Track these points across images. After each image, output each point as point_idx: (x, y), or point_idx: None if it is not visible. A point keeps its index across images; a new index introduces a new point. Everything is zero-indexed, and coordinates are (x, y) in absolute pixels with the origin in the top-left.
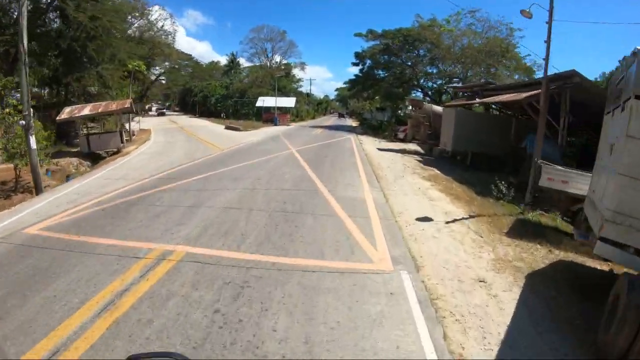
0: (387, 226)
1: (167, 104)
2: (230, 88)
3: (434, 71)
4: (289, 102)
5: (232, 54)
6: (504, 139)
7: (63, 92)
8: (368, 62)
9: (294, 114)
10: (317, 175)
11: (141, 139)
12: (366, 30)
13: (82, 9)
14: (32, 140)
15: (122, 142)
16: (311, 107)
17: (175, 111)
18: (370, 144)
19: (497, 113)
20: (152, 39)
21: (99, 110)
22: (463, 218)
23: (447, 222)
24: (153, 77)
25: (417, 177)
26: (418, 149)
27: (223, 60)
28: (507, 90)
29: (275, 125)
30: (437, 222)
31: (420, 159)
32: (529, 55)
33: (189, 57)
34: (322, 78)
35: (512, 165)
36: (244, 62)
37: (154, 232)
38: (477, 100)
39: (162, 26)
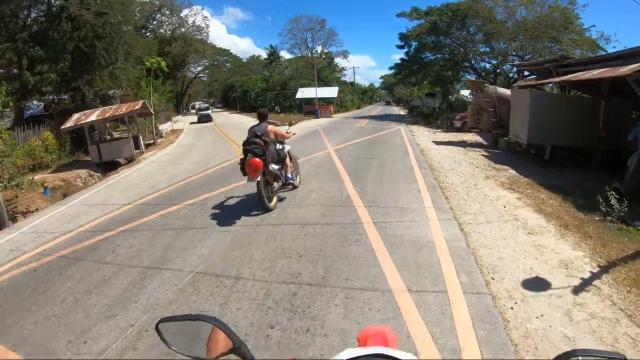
0: (480, 315)
1: (211, 100)
2: (270, 81)
3: (487, 50)
4: (330, 92)
5: (272, 47)
6: (589, 127)
7: (78, 97)
8: (414, 44)
9: (338, 105)
10: (358, 193)
11: (167, 142)
12: (410, 8)
13: (86, 5)
14: None
15: (139, 147)
16: (356, 97)
17: (218, 108)
18: (423, 135)
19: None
20: (184, 36)
21: (107, 115)
22: (592, 275)
23: (575, 292)
24: (192, 75)
25: (494, 183)
26: (479, 139)
27: (264, 54)
28: (590, 64)
29: (317, 117)
30: (558, 294)
31: (486, 153)
32: (593, 26)
33: (226, 52)
34: (367, 67)
35: (601, 160)
36: (286, 55)
37: (50, 342)
38: (556, 78)
39: (194, 22)
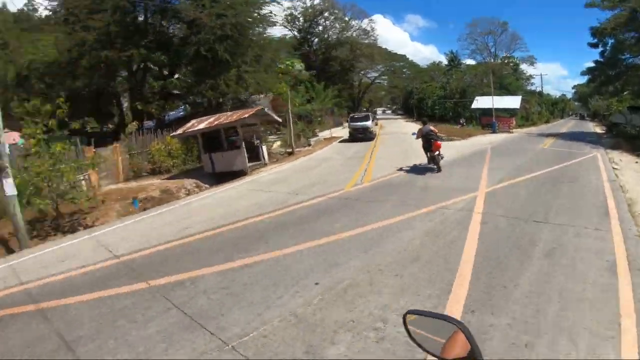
0: None
1: (393, 107)
2: (447, 88)
3: None
4: (512, 102)
5: (452, 52)
6: None
7: (214, 102)
8: (609, 41)
9: (523, 117)
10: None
11: (305, 152)
12: None
13: (202, 7)
14: (8, 184)
15: (259, 159)
16: (544, 109)
17: (399, 114)
18: (630, 170)
19: None
20: (350, 40)
21: (215, 123)
22: None
23: None
24: (369, 80)
25: None
26: None
27: (446, 61)
28: None
29: (494, 132)
30: None
31: None
32: None
33: (402, 58)
34: (557, 76)
35: None
36: (468, 61)
37: None
38: None
39: (359, 25)
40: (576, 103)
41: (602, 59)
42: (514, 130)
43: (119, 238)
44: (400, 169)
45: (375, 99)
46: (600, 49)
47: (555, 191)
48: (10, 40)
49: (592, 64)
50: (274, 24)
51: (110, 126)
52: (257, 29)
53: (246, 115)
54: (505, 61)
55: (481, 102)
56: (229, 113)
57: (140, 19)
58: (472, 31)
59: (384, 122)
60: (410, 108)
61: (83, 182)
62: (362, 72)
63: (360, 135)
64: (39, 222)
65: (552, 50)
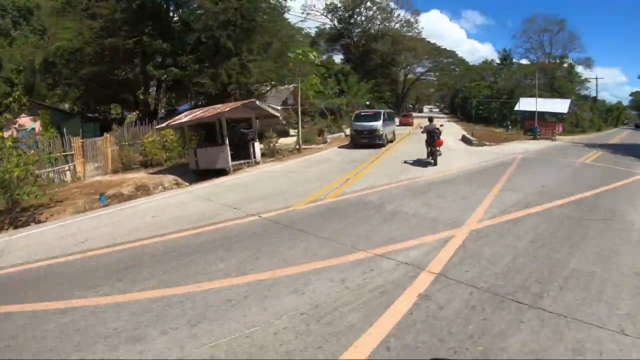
0: None
1: (442, 105)
2: (495, 88)
3: None
4: (559, 105)
5: (505, 50)
6: None
7: (208, 92)
8: None
9: (572, 124)
10: None
11: (311, 151)
12: None
13: None
14: None
15: (250, 157)
16: (596, 116)
17: (445, 113)
18: None
19: None
20: (391, 32)
21: (198, 115)
22: None
23: None
24: (414, 76)
25: None
26: None
27: (497, 59)
28: None
29: (534, 138)
30: None
31: None
32: None
33: (451, 53)
34: (615, 82)
35: None
36: (522, 60)
37: None
38: None
39: (398, 16)
40: (633, 112)
41: None
42: (558, 137)
43: (33, 242)
44: (391, 183)
45: (422, 96)
46: None
47: (576, 238)
48: (50, 27)
49: None
50: (285, 10)
51: (134, 114)
52: (264, 16)
53: (227, 109)
54: (559, 61)
55: (525, 104)
56: (218, 106)
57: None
58: (527, 28)
59: (422, 120)
60: (455, 108)
61: (68, 172)
62: (407, 67)
63: (365, 140)
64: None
65: (612, 54)
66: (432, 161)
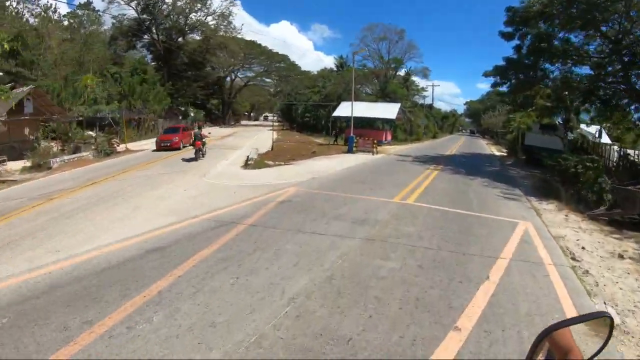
0: None
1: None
2: (323, 93)
3: None
4: (387, 110)
5: (341, 57)
6: None
7: None
8: (526, 41)
9: (405, 131)
10: None
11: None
12: None
13: None
14: None
15: None
16: (431, 123)
17: (279, 121)
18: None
19: None
20: (203, 26)
21: None
22: None
23: None
24: (242, 82)
25: None
26: None
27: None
28: None
29: (350, 151)
30: None
31: None
32: None
33: (282, 57)
34: (450, 94)
35: None
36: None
37: None
38: None
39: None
40: (467, 119)
41: (516, 57)
42: (386, 147)
43: None
44: None
45: (260, 103)
46: (516, 41)
47: None
48: None
49: (488, 86)
50: None
51: None
52: None
53: None
54: (394, 66)
55: (345, 109)
56: None
57: None
58: (365, 36)
59: (243, 130)
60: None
61: None
62: (229, 70)
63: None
64: None
65: (447, 69)
66: (200, 156)
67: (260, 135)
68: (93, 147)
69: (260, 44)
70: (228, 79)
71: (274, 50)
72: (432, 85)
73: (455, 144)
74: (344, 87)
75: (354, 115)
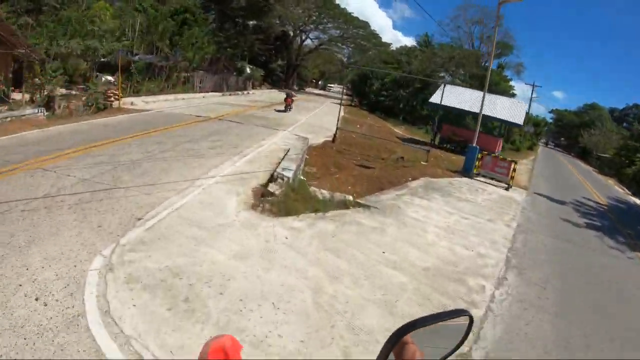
0: None
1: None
2: (407, 70)
3: None
4: (511, 110)
5: (426, 35)
6: None
7: None
8: None
9: (506, 140)
10: None
11: None
12: None
13: None
14: None
15: None
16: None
17: (348, 95)
18: None
19: None
20: None
21: None
22: None
23: None
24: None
25: None
26: None
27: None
28: None
29: (467, 171)
30: None
31: None
32: None
33: (362, 23)
34: (522, 97)
35: None
36: None
37: None
38: None
39: None
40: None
41: None
42: (506, 162)
43: None
44: None
45: (332, 73)
46: None
47: None
48: None
49: None
50: None
51: None
52: None
53: None
54: (498, 51)
55: (448, 96)
56: None
57: None
58: (458, 15)
59: (305, 99)
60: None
61: None
62: (300, 28)
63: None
64: None
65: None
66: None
67: (321, 109)
68: (84, 99)
69: (339, 5)
70: (298, 39)
71: (354, 14)
72: (533, 86)
73: (548, 163)
74: (435, 65)
75: (452, 104)
